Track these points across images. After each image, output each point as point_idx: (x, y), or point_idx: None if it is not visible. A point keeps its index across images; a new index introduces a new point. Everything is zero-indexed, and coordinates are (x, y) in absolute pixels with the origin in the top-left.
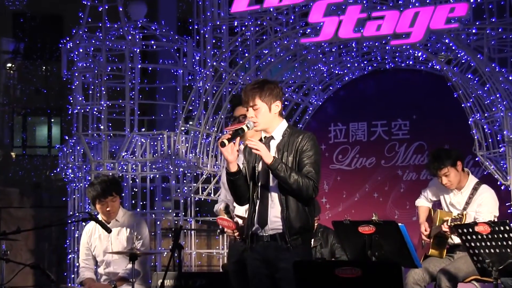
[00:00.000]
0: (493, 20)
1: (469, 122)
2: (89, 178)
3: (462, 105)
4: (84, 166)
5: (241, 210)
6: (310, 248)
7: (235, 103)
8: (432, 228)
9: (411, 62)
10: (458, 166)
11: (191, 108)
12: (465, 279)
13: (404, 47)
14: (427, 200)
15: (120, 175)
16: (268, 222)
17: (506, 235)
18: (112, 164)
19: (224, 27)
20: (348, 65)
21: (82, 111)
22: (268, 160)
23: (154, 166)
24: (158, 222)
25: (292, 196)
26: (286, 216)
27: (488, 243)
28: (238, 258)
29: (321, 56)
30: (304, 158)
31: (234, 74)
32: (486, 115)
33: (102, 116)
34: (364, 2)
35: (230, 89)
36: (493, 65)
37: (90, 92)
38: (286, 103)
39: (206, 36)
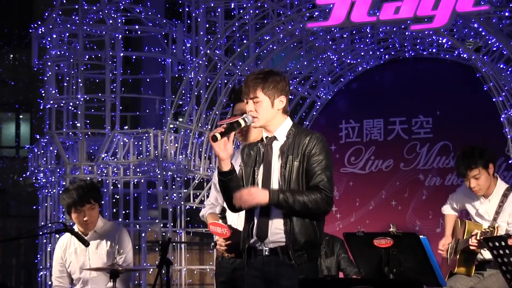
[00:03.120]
0: None
1: (501, 119)
2: (64, 183)
3: (493, 100)
4: (58, 170)
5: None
6: (317, 266)
7: (236, 98)
8: (459, 242)
9: (434, 50)
10: (490, 169)
11: (181, 102)
12: None
13: (426, 32)
14: (452, 208)
15: (100, 179)
16: (269, 234)
17: None
18: (90, 167)
19: (219, 10)
20: (362, 54)
21: (56, 106)
22: (265, 200)
23: (138, 170)
24: (143, 234)
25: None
26: (290, 229)
27: None
28: (227, 277)
29: (330, 43)
30: (314, 164)
31: (230, 64)
32: None
33: (79, 112)
34: None
35: (226, 81)
36: None
37: (65, 84)
38: (290, 97)
39: (199, 20)
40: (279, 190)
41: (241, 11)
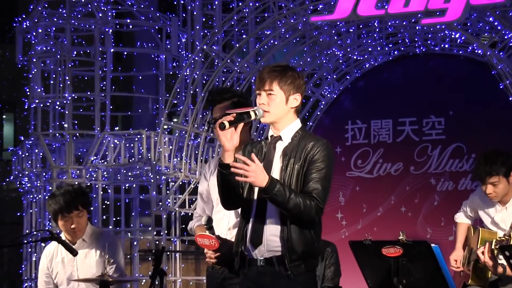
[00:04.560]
0: None
1: None
2: (50, 188)
3: (510, 99)
4: (44, 174)
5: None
6: (315, 277)
7: (213, 100)
8: (472, 251)
9: (446, 46)
10: (511, 177)
11: (175, 102)
12: None
13: (438, 27)
14: (466, 215)
15: (88, 184)
16: (264, 241)
17: None
18: (78, 171)
19: (216, 3)
20: (369, 49)
21: (42, 105)
22: (262, 184)
23: (130, 174)
24: (135, 243)
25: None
26: (287, 236)
27: None
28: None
29: (335, 38)
30: (313, 170)
31: (228, 60)
32: None
33: (66, 112)
34: None
35: (223, 79)
36: None
37: (52, 82)
38: None
39: (195, 13)
40: (279, 181)
41: (240, 4)
